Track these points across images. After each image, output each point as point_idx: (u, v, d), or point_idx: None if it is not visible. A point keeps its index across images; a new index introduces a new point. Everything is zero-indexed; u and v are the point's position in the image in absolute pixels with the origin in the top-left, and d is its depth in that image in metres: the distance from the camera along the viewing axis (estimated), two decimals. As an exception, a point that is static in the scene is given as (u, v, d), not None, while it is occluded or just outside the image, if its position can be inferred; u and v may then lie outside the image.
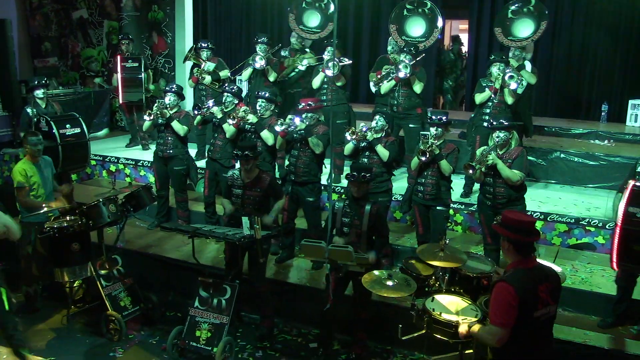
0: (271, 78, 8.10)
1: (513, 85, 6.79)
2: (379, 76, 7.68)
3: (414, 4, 8.18)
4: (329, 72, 7.36)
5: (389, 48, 8.14)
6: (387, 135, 6.14)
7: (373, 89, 8.03)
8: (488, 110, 7.04)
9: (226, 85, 7.56)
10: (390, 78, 7.43)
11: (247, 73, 8.29)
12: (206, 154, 7.45)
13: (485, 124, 6.98)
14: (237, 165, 6.51)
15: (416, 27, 8.20)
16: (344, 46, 10.75)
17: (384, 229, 5.31)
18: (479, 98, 7.16)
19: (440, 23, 8.15)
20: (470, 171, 5.65)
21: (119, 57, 9.57)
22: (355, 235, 5.16)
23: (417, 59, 7.44)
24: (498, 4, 9.81)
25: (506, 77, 6.81)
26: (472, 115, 7.55)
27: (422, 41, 8.13)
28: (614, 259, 4.99)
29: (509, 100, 6.92)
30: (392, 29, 8.24)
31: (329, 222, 5.03)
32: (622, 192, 5.29)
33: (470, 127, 7.49)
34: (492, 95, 6.97)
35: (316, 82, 7.73)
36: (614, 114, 9.41)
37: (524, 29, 7.77)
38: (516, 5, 7.83)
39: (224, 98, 7.02)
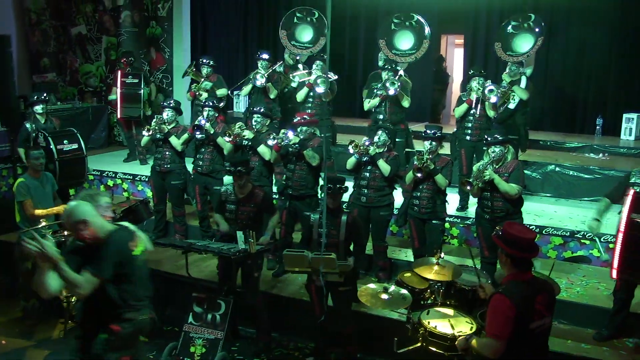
0: (272, 95, 8.08)
1: (493, 99, 6.90)
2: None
3: (400, 18, 8.25)
4: (320, 90, 7.40)
5: (380, 63, 8.16)
6: (389, 150, 6.17)
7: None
8: (470, 124, 7.16)
9: (206, 100, 7.54)
10: (374, 95, 7.46)
11: (247, 89, 8.29)
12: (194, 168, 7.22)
13: (467, 137, 7.17)
14: (225, 179, 6.45)
15: (405, 41, 8.25)
16: (340, 61, 10.81)
17: (361, 238, 5.43)
18: (458, 112, 7.26)
19: (427, 34, 8.14)
20: (468, 187, 5.65)
21: (119, 73, 9.63)
22: (332, 246, 5.17)
23: (398, 74, 7.47)
24: (493, 19, 9.92)
25: (486, 91, 6.91)
26: (455, 129, 7.59)
27: (412, 53, 8.17)
28: (615, 267, 4.85)
29: (491, 113, 7.04)
30: (381, 44, 8.29)
31: (314, 233, 5.11)
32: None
33: (453, 141, 7.53)
34: (469, 107, 7.08)
35: (300, 96, 7.78)
36: (609, 127, 9.45)
37: (524, 44, 7.82)
38: (517, 20, 7.89)
39: (205, 112, 7.03)
